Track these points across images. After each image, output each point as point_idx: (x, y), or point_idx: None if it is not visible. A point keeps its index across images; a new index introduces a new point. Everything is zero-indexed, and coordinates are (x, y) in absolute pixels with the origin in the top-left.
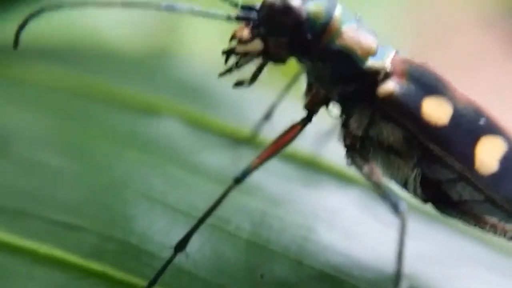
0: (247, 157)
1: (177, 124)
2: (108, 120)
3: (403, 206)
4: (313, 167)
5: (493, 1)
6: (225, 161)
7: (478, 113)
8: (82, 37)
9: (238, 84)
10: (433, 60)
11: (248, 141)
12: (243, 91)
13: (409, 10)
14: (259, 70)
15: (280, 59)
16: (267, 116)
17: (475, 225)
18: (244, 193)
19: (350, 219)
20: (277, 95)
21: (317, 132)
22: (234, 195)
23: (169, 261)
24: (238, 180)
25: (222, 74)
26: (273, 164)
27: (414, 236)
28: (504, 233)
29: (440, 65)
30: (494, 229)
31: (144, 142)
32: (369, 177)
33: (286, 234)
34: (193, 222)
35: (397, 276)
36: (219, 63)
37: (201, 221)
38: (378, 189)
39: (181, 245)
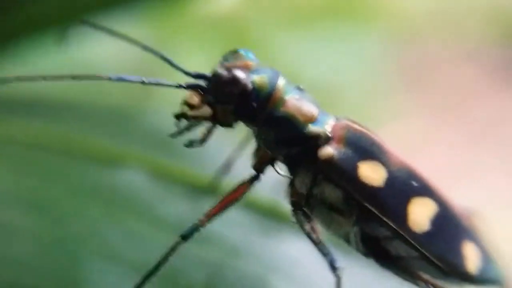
0: (206, 206)
1: (141, 175)
2: (69, 173)
3: (339, 264)
4: (274, 216)
5: (477, 34)
6: (186, 212)
7: (411, 175)
8: (50, 88)
9: (190, 144)
10: (420, 96)
11: (211, 190)
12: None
13: (394, 46)
14: (209, 132)
15: (228, 124)
16: (227, 167)
17: (411, 281)
18: (201, 243)
19: (310, 269)
20: (237, 146)
21: (278, 180)
22: (191, 246)
23: None
24: (184, 237)
25: (173, 136)
26: (233, 213)
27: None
28: None
29: (428, 101)
30: (427, 285)
31: (106, 195)
32: (309, 234)
33: (241, 285)
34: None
35: None
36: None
37: (146, 278)
38: (316, 246)
39: None
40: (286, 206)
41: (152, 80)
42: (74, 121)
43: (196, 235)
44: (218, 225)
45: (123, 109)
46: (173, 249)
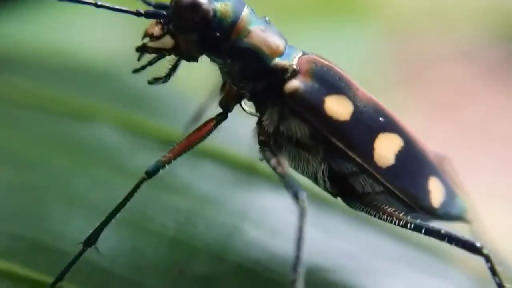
0: (183, 160)
1: (111, 129)
2: (39, 126)
3: (303, 195)
4: (248, 170)
5: (471, 34)
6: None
7: (378, 111)
8: (31, 48)
9: (154, 81)
10: (415, 93)
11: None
12: (184, 95)
13: (389, 43)
14: (173, 67)
15: (191, 56)
16: (197, 117)
17: (375, 215)
18: (173, 193)
19: (279, 219)
20: (207, 96)
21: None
22: (161, 194)
23: (77, 256)
24: (149, 173)
25: (136, 71)
26: (207, 165)
27: (338, 234)
28: (398, 222)
29: (422, 98)
30: (391, 218)
31: (76, 147)
32: (275, 168)
33: (211, 232)
34: (118, 221)
35: (296, 260)
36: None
37: (110, 216)
38: (282, 179)
39: (90, 241)
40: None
41: (107, 4)
42: (49, 80)
43: (167, 184)
44: (191, 176)
45: (100, 71)
46: (137, 186)
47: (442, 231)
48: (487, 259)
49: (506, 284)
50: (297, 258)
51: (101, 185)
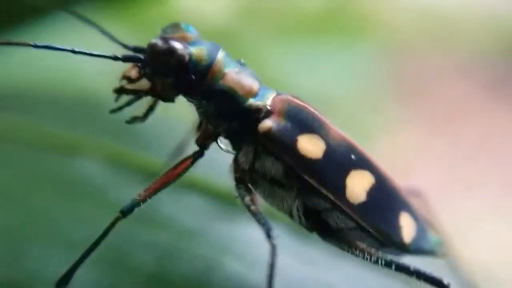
0: (165, 191)
1: (95, 162)
2: (19, 160)
3: (274, 233)
4: (228, 201)
5: (471, 50)
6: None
7: (350, 149)
8: (14, 80)
9: (132, 120)
10: (413, 109)
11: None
12: (170, 125)
13: (387, 59)
14: (151, 107)
15: (168, 98)
16: (179, 151)
17: (348, 250)
18: (153, 226)
19: (260, 251)
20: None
21: None
22: (141, 229)
23: None
24: (124, 212)
25: (113, 111)
26: (186, 197)
27: (319, 265)
28: (370, 258)
29: (421, 114)
30: (363, 253)
31: (58, 182)
32: (248, 206)
33: (191, 266)
34: (94, 259)
35: None
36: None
37: (85, 255)
38: (255, 217)
39: (63, 281)
40: None
41: (85, 50)
42: (32, 113)
43: (147, 218)
44: (170, 209)
45: (82, 101)
46: (112, 225)
47: (411, 268)
48: None
49: None
50: None
51: (83, 221)
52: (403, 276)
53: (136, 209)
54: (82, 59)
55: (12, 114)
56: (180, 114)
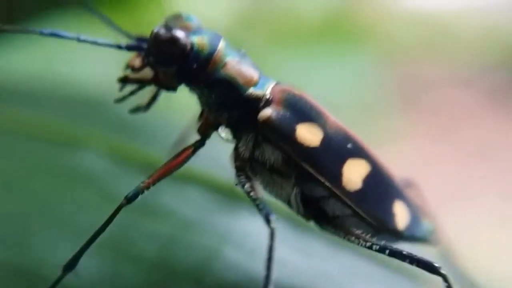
0: (164, 183)
1: (98, 155)
2: (23, 152)
3: (273, 217)
4: (230, 194)
5: (471, 59)
6: None
7: (347, 138)
8: (22, 76)
9: (135, 110)
10: (415, 118)
11: None
12: (169, 120)
13: (389, 69)
14: (154, 97)
15: (170, 87)
16: (179, 143)
17: (344, 237)
18: (155, 217)
19: (259, 241)
20: (189, 123)
21: None
22: (144, 220)
23: (57, 281)
24: (129, 199)
25: (118, 101)
26: (189, 190)
27: (316, 256)
28: (365, 244)
29: (423, 123)
30: (358, 239)
31: (61, 173)
32: (248, 193)
33: (191, 256)
34: (100, 246)
35: (266, 279)
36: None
37: (91, 240)
38: (254, 203)
39: (70, 265)
40: None
41: (89, 38)
42: (36, 106)
43: (149, 209)
44: (171, 201)
45: (85, 95)
46: (117, 211)
47: (404, 252)
48: (445, 278)
49: None
50: (267, 277)
51: (85, 210)
52: (399, 266)
53: (140, 197)
54: (85, 52)
55: (13, 106)
56: (181, 109)
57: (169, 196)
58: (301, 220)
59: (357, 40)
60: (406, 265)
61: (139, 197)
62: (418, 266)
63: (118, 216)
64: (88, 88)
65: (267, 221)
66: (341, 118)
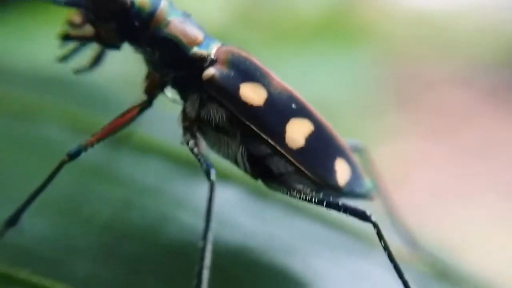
0: (123, 152)
1: (62, 129)
2: None
3: (213, 172)
4: (189, 166)
5: (471, 58)
6: (102, 160)
7: (291, 98)
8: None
9: (80, 70)
10: (412, 116)
11: (126, 140)
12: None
13: (388, 67)
14: (98, 55)
15: (112, 45)
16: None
17: (287, 193)
18: (111, 183)
19: (218, 209)
20: None
21: None
22: (99, 185)
23: None
24: (71, 156)
25: (61, 59)
26: (148, 160)
27: (272, 221)
28: (305, 197)
29: (420, 121)
30: (299, 194)
31: (16, 143)
32: (192, 149)
33: (145, 219)
34: (50, 207)
35: (206, 229)
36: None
37: (33, 196)
38: (196, 158)
39: (11, 220)
40: None
41: None
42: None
43: (105, 176)
44: (130, 169)
45: (53, 74)
46: (58, 167)
47: (340, 204)
48: (375, 225)
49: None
50: (206, 227)
51: (37, 177)
52: (351, 229)
53: (96, 165)
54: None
55: None
56: None
57: (127, 164)
58: (259, 188)
59: (355, 39)
60: (358, 228)
61: (85, 158)
62: (352, 215)
63: (71, 181)
64: (52, 65)
65: (207, 174)
66: (339, 117)
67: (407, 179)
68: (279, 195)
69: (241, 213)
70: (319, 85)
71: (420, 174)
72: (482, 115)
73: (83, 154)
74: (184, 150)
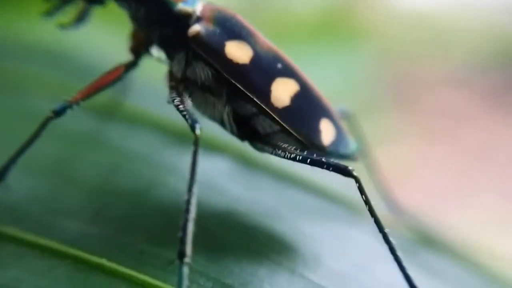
0: (115, 122)
1: (43, 99)
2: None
3: (198, 127)
4: (180, 136)
5: (469, 59)
6: (90, 128)
7: (277, 58)
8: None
9: (63, 26)
10: (412, 117)
11: (113, 111)
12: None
13: (387, 68)
14: (82, 12)
15: (98, 1)
16: (125, 88)
17: (272, 152)
18: (101, 149)
19: (209, 172)
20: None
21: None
22: (90, 151)
23: None
24: (56, 112)
25: (44, 17)
26: (139, 130)
27: (261, 190)
28: (289, 156)
29: (420, 122)
30: (284, 153)
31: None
32: (177, 106)
33: (134, 182)
34: (39, 170)
35: (191, 181)
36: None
37: (18, 152)
38: (182, 114)
39: None
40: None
41: None
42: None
43: (95, 142)
44: (121, 137)
45: (47, 48)
46: (43, 124)
47: (323, 160)
48: (356, 179)
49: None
50: (191, 180)
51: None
52: (338, 200)
53: (86, 134)
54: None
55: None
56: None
57: (117, 133)
58: (248, 158)
59: (354, 39)
60: (347, 198)
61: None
62: (334, 171)
63: (61, 148)
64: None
65: (192, 128)
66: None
67: (405, 180)
68: (267, 165)
69: (230, 181)
70: (317, 85)
71: (419, 175)
72: (480, 116)
73: (73, 125)
74: (173, 121)
